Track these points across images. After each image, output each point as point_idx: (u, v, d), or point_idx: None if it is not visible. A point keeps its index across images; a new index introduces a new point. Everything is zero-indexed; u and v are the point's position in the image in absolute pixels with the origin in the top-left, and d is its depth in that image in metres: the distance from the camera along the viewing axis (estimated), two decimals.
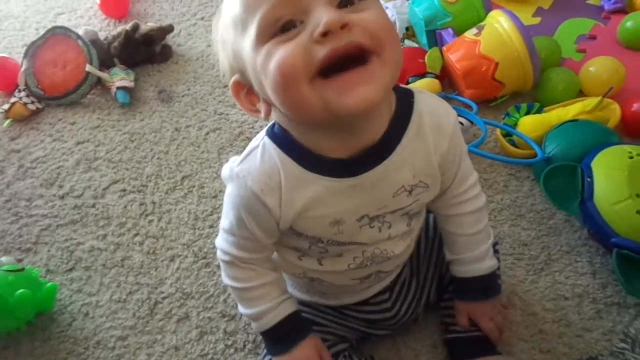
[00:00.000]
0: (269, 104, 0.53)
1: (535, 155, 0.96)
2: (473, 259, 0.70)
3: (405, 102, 0.58)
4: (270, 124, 0.59)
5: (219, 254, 0.66)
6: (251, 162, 0.57)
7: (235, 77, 0.55)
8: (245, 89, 0.55)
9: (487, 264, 0.70)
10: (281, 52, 0.47)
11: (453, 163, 0.62)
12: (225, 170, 0.60)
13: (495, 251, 0.77)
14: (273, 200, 0.56)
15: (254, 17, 0.48)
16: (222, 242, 0.65)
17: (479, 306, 0.72)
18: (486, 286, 0.72)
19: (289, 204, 0.56)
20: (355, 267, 0.65)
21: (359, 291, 0.71)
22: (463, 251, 0.70)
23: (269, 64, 0.47)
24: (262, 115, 0.55)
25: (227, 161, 0.61)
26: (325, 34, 0.45)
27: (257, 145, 0.58)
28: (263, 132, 0.59)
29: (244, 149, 0.60)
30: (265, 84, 0.49)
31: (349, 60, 0.47)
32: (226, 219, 0.62)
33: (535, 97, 1.14)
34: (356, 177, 0.56)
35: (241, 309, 0.68)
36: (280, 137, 0.56)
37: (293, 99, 0.48)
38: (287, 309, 0.67)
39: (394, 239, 0.63)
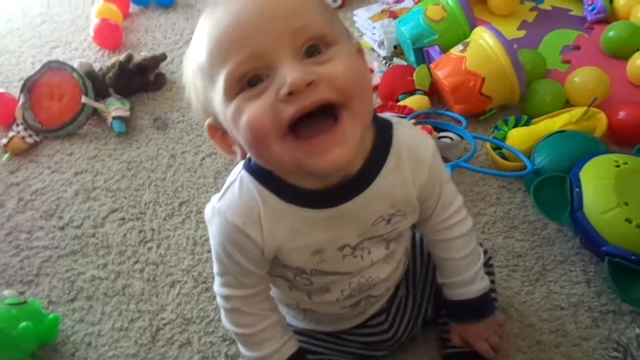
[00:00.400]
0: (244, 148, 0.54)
1: (525, 167, 0.97)
2: (463, 282, 0.70)
3: (384, 134, 0.58)
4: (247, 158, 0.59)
5: (219, 301, 0.65)
6: (230, 197, 0.57)
7: (209, 120, 0.55)
8: (220, 132, 0.55)
9: (478, 287, 0.70)
10: (250, 111, 0.47)
11: (433, 192, 0.63)
12: (207, 210, 0.60)
13: (489, 266, 0.78)
14: (255, 232, 0.56)
15: (220, 73, 0.48)
16: (219, 287, 0.64)
17: (472, 328, 0.72)
18: (478, 307, 0.72)
19: (270, 235, 0.57)
20: (343, 298, 0.66)
21: (353, 317, 0.72)
22: (452, 275, 0.70)
23: (239, 120, 0.48)
24: (238, 157, 0.55)
25: (222, 187, 0.62)
26: (290, 94, 0.45)
27: (235, 179, 0.58)
28: (240, 165, 0.59)
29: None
30: (237, 137, 0.50)
31: (319, 115, 0.47)
32: (216, 261, 0.62)
33: (523, 110, 1.16)
34: (334, 208, 0.56)
35: (244, 351, 0.67)
36: (258, 170, 0.56)
37: (265, 155, 0.49)
38: (291, 348, 0.67)
39: (377, 264, 0.64)
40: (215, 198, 0.60)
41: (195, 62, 0.52)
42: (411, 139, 0.60)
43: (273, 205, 0.56)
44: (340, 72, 0.47)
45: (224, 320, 0.66)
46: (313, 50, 0.48)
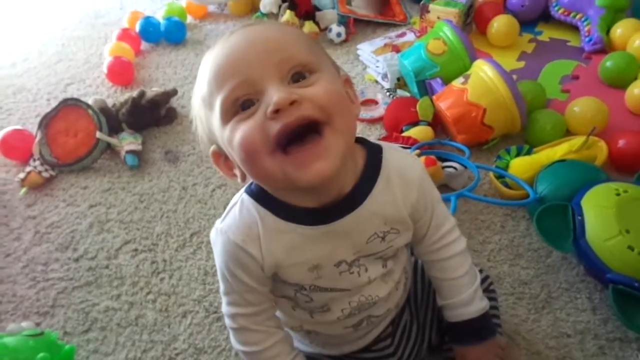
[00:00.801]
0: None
1: (528, 196, 1.00)
2: (461, 302, 0.72)
3: (374, 158, 0.63)
4: (248, 182, 0.63)
5: (227, 321, 0.68)
6: (231, 218, 0.62)
7: (213, 147, 0.60)
8: (222, 157, 0.61)
9: (477, 307, 0.72)
10: (241, 130, 0.53)
11: (425, 211, 0.67)
12: (212, 233, 0.64)
13: (491, 291, 0.80)
14: (254, 249, 0.60)
15: (216, 100, 0.54)
16: (226, 307, 0.67)
17: (474, 351, 0.73)
18: (478, 328, 0.73)
19: (269, 252, 0.60)
20: (344, 317, 0.68)
21: (357, 339, 0.74)
22: (450, 296, 0.72)
23: (233, 140, 0.53)
24: (239, 179, 0.60)
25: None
26: (276, 112, 0.51)
27: (236, 202, 0.63)
28: (242, 190, 0.64)
29: None
30: (234, 156, 0.56)
31: (303, 131, 0.52)
32: (222, 280, 0.65)
33: (524, 139, 1.19)
34: (329, 225, 0.60)
35: None
36: (257, 193, 0.61)
37: (258, 171, 0.54)
38: None
39: (374, 282, 0.67)
40: (218, 221, 0.64)
41: (199, 95, 0.58)
42: (399, 162, 0.64)
43: (271, 223, 0.60)
44: (322, 93, 0.53)
45: (233, 341, 0.69)
46: (298, 76, 0.54)
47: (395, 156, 0.64)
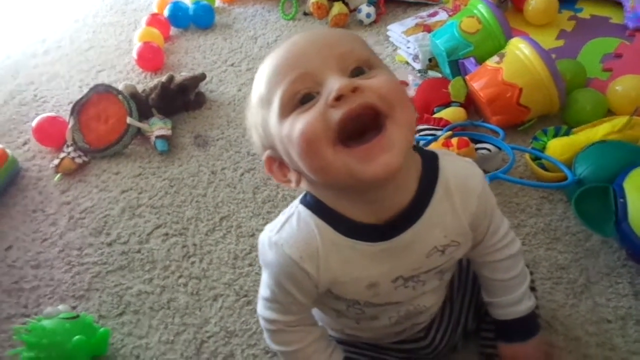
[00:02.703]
0: (299, 173, 0.56)
1: (565, 178, 0.96)
2: (510, 302, 0.70)
3: (430, 165, 0.60)
4: (303, 193, 0.61)
5: (262, 323, 0.67)
6: (288, 230, 0.59)
7: (267, 152, 0.58)
8: (276, 163, 0.58)
9: (525, 306, 0.70)
10: (302, 121, 0.51)
11: (484, 219, 0.64)
12: (263, 239, 0.61)
13: (532, 289, 0.76)
14: (311, 266, 0.58)
15: (275, 95, 0.53)
16: (265, 311, 0.65)
17: (523, 348, 0.72)
18: (525, 326, 0.72)
19: (326, 268, 0.58)
20: (391, 325, 0.67)
21: (396, 336, 0.73)
22: (500, 295, 0.71)
23: (293, 133, 0.51)
24: (293, 184, 0.57)
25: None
26: (338, 98, 0.49)
27: (293, 213, 0.60)
28: (296, 201, 0.61)
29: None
30: (292, 152, 0.53)
31: (365, 126, 0.50)
32: (267, 288, 0.63)
33: (562, 120, 1.15)
34: (388, 241, 0.58)
35: None
36: (315, 205, 0.58)
37: (318, 163, 0.51)
38: (338, 358, 0.69)
39: (427, 293, 0.66)
40: (270, 228, 0.61)
41: (255, 98, 0.57)
42: (458, 169, 0.61)
43: (330, 238, 0.58)
44: (383, 84, 0.51)
45: (268, 341, 0.68)
46: (357, 72, 0.53)
47: (452, 164, 0.61)
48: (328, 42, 0.53)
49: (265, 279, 0.63)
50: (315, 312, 0.71)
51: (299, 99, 0.52)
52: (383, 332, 0.70)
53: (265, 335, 0.68)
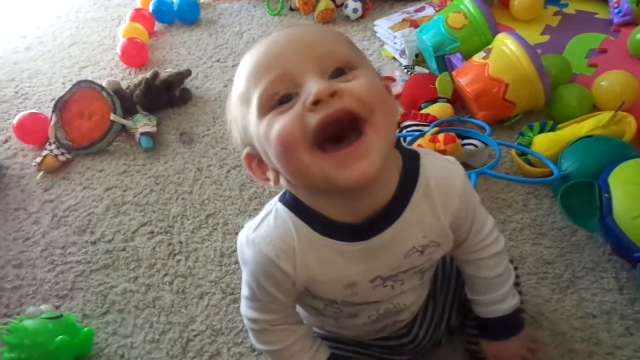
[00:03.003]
0: (277, 172, 0.55)
1: (551, 174, 0.96)
2: (494, 300, 0.70)
3: (411, 165, 0.59)
4: (282, 191, 0.60)
5: (247, 323, 0.66)
6: (265, 227, 0.59)
7: (247, 149, 0.57)
8: (256, 160, 0.57)
9: (509, 304, 0.70)
10: (279, 123, 0.49)
11: (466, 219, 0.63)
12: (241, 238, 0.61)
13: (517, 284, 0.76)
14: (287, 265, 0.57)
15: (254, 94, 0.52)
16: (247, 310, 0.65)
17: (506, 346, 0.72)
18: (509, 324, 0.71)
19: (303, 267, 0.57)
20: (370, 323, 0.67)
21: (377, 333, 0.73)
22: (483, 293, 0.70)
23: (270, 134, 0.50)
24: (272, 183, 0.56)
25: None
26: (316, 102, 0.48)
27: (270, 211, 0.59)
28: (275, 199, 0.61)
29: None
30: (269, 152, 0.52)
31: (342, 129, 0.49)
32: (247, 287, 0.63)
33: (548, 115, 1.15)
34: (367, 241, 0.57)
35: None
36: (293, 203, 0.58)
37: (294, 166, 0.50)
38: (323, 355, 0.68)
39: (407, 292, 0.65)
40: (249, 226, 0.60)
41: (235, 94, 0.56)
42: (439, 169, 0.60)
43: (307, 237, 0.57)
44: (363, 87, 0.50)
45: (254, 341, 0.67)
46: (338, 72, 0.51)
47: (433, 163, 0.60)
48: (308, 41, 0.52)
49: (244, 277, 0.63)
50: (299, 309, 0.71)
51: (277, 100, 0.51)
52: (363, 329, 0.69)
53: (250, 334, 0.68)
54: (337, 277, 0.59)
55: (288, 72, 0.50)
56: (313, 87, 0.48)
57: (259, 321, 0.64)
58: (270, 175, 0.56)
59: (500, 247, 0.69)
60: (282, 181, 0.56)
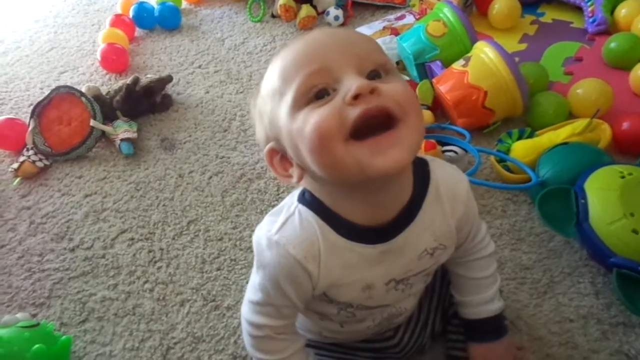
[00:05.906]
0: (302, 170, 0.55)
1: (529, 180, 0.98)
2: (482, 301, 0.72)
3: (421, 170, 0.61)
4: (299, 192, 0.60)
5: (249, 329, 0.65)
6: (290, 229, 0.58)
7: (271, 144, 0.57)
8: (278, 156, 0.57)
9: (496, 306, 0.73)
10: (317, 116, 0.50)
11: (467, 224, 0.66)
12: (260, 240, 0.59)
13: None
14: (314, 267, 0.57)
15: (290, 87, 0.52)
16: (253, 315, 0.64)
17: (493, 348, 0.73)
18: (495, 326, 0.73)
19: (327, 270, 0.58)
20: (373, 327, 0.68)
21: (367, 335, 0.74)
22: (472, 293, 0.72)
23: (305, 127, 0.50)
24: (295, 179, 0.56)
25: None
26: (356, 97, 0.49)
27: (293, 213, 0.59)
28: (293, 199, 0.60)
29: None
30: (301, 147, 0.52)
31: (377, 126, 0.50)
32: (259, 291, 0.62)
33: (526, 122, 1.17)
34: (386, 243, 0.58)
35: None
36: (315, 205, 0.58)
37: (329, 159, 0.50)
38: None
39: (411, 296, 0.67)
40: (267, 228, 0.59)
41: (266, 88, 0.56)
42: (447, 175, 0.63)
43: (332, 240, 0.57)
44: (400, 89, 0.52)
45: (251, 348, 0.66)
46: (374, 74, 0.53)
47: (442, 170, 0.63)
48: (349, 40, 0.54)
49: (258, 281, 0.61)
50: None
51: (314, 93, 0.51)
52: (364, 333, 0.70)
53: (248, 341, 0.66)
54: (356, 280, 0.60)
55: (328, 66, 0.51)
56: (354, 82, 0.50)
57: (265, 327, 0.63)
58: (295, 172, 0.56)
59: (492, 249, 0.72)
60: (305, 180, 0.56)
